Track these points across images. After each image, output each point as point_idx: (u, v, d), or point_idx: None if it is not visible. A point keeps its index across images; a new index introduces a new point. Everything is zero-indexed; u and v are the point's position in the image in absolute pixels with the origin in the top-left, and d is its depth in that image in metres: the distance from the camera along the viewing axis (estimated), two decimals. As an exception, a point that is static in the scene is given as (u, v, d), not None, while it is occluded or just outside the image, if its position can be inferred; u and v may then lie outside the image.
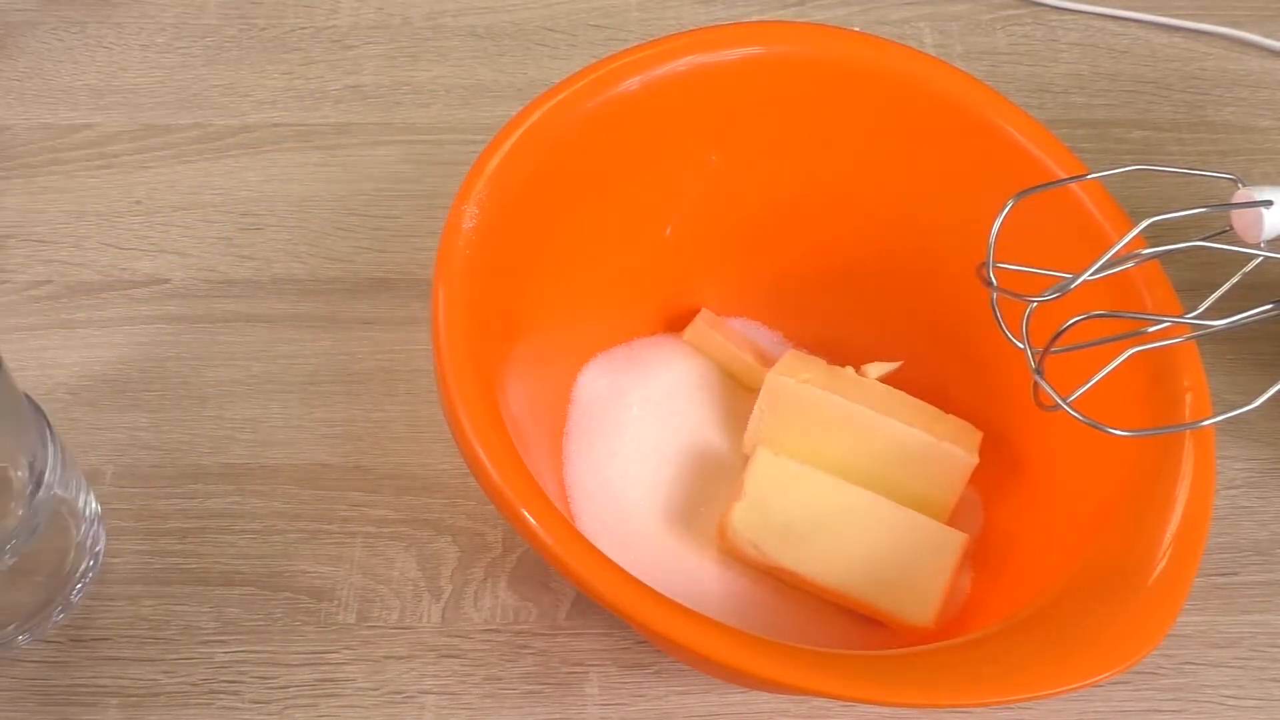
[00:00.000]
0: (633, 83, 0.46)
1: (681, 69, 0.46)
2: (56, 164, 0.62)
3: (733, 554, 0.48)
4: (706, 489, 0.50)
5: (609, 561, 0.36)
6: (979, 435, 0.48)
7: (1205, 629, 0.50)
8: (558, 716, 0.47)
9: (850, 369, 0.49)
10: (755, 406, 0.49)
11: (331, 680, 0.48)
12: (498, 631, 0.49)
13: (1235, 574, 0.51)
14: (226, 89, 0.65)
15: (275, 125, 0.64)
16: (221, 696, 0.47)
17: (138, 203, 0.61)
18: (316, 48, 0.67)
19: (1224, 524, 0.52)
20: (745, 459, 0.50)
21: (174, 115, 0.64)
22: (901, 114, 0.48)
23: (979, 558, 0.49)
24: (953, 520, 0.48)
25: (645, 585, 0.36)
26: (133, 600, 0.49)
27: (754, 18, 0.69)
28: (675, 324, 0.54)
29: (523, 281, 0.45)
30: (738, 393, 0.53)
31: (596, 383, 0.52)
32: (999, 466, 0.49)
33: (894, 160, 0.49)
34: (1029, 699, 0.36)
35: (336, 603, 0.50)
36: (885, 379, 0.50)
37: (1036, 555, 0.45)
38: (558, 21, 0.69)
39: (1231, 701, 0.48)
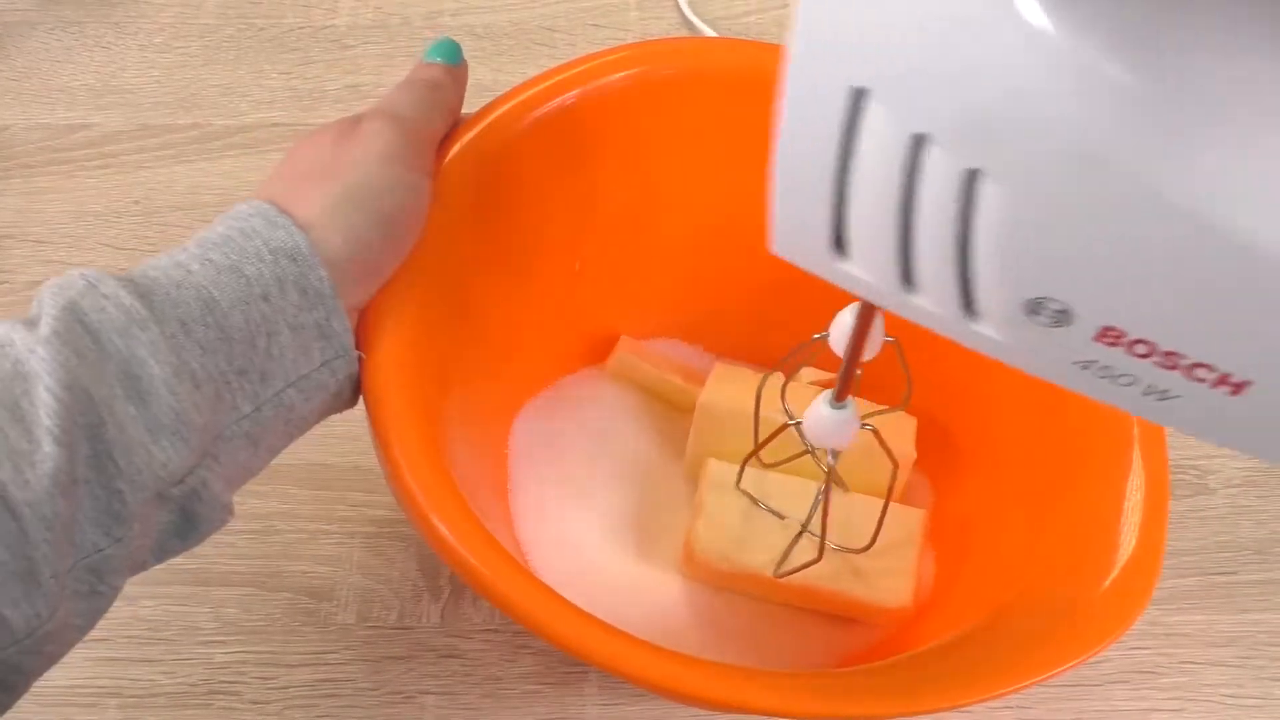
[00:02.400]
0: (530, 118, 0.45)
1: (570, 101, 0.46)
2: (55, 164, 0.62)
3: (702, 573, 0.48)
4: (660, 517, 0.50)
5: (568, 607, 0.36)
6: (914, 421, 0.48)
7: (1204, 628, 0.50)
8: (558, 716, 0.47)
9: (779, 375, 0.46)
10: (691, 430, 0.49)
11: (331, 680, 0.48)
12: (497, 631, 0.49)
13: (1234, 573, 0.51)
14: (225, 89, 0.65)
15: (274, 125, 0.64)
16: (221, 697, 0.47)
17: (136, 203, 0.61)
18: (315, 47, 0.67)
19: (1223, 523, 0.52)
20: (691, 480, 0.49)
21: (172, 115, 0.64)
22: None
23: (939, 541, 0.49)
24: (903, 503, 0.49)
25: (602, 622, 0.36)
26: (132, 601, 0.49)
27: (752, 16, 0.69)
28: (596, 353, 0.53)
29: (450, 333, 0.44)
30: (671, 415, 0.53)
31: (531, 432, 0.51)
32: (942, 451, 0.49)
33: None
34: (993, 697, 0.36)
35: (336, 603, 0.49)
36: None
37: (995, 536, 0.46)
38: (557, 21, 0.69)
39: (1231, 700, 0.48)
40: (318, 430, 0.54)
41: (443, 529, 0.36)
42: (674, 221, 0.51)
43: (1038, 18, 0.22)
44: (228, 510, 0.36)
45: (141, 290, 0.33)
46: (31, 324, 0.32)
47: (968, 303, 0.27)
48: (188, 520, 0.34)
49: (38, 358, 0.30)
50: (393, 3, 0.69)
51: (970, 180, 0.24)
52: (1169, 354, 0.24)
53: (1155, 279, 0.23)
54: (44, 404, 0.30)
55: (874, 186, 0.26)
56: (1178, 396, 0.25)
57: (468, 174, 0.44)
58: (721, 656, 0.40)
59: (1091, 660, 0.36)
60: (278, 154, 0.63)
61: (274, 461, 0.53)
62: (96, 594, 0.32)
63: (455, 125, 0.44)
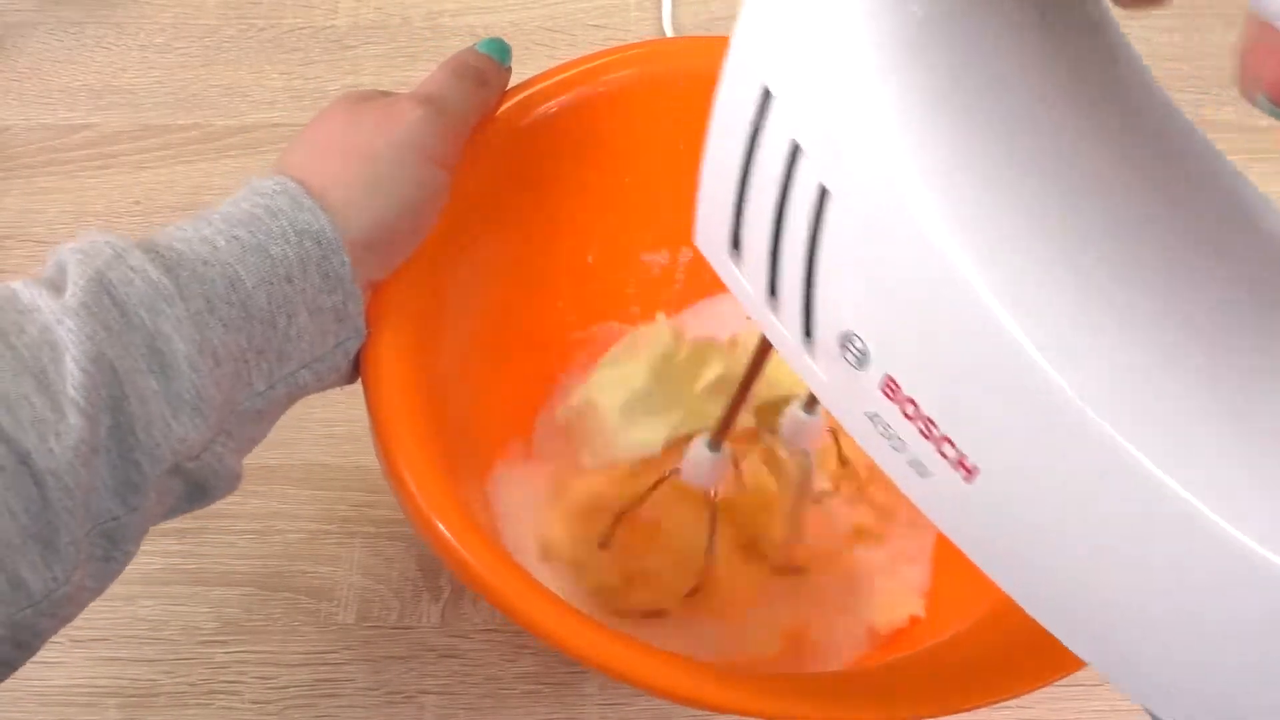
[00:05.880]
0: (537, 113, 0.45)
1: (576, 99, 0.46)
2: (56, 164, 0.62)
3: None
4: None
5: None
6: (927, 570, 0.49)
7: (1205, 628, 0.50)
8: (558, 716, 0.47)
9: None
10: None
11: (331, 680, 0.48)
12: (498, 631, 0.49)
13: (1235, 573, 0.51)
14: (225, 89, 0.65)
15: (274, 125, 0.64)
16: (221, 697, 0.47)
17: (137, 203, 0.61)
18: (315, 48, 0.67)
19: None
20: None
21: (173, 115, 0.64)
22: None
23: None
24: None
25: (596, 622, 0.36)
26: (131, 600, 0.49)
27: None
28: (602, 347, 0.53)
29: (457, 326, 0.44)
30: (672, 409, 0.51)
31: (538, 426, 0.51)
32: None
33: None
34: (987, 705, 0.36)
35: (336, 603, 0.49)
36: None
37: None
38: (557, 21, 0.69)
39: (1231, 700, 0.48)
40: (318, 430, 0.54)
41: (443, 529, 0.36)
42: (679, 218, 0.51)
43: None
44: (238, 479, 0.36)
45: (168, 264, 0.33)
46: (55, 288, 0.32)
47: (808, 327, 0.27)
48: (200, 489, 0.35)
49: (65, 328, 0.31)
50: (393, 3, 0.69)
51: (821, 196, 0.25)
52: (927, 420, 0.25)
53: (932, 341, 0.24)
54: (71, 375, 0.30)
55: (763, 189, 0.27)
56: (930, 474, 0.25)
57: (479, 166, 0.44)
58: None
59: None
60: (278, 154, 0.62)
61: (274, 461, 0.53)
62: (110, 559, 0.33)
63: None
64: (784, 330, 0.28)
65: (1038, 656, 0.37)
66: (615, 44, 0.66)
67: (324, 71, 0.66)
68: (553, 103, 0.45)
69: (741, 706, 0.35)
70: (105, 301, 0.32)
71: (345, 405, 0.54)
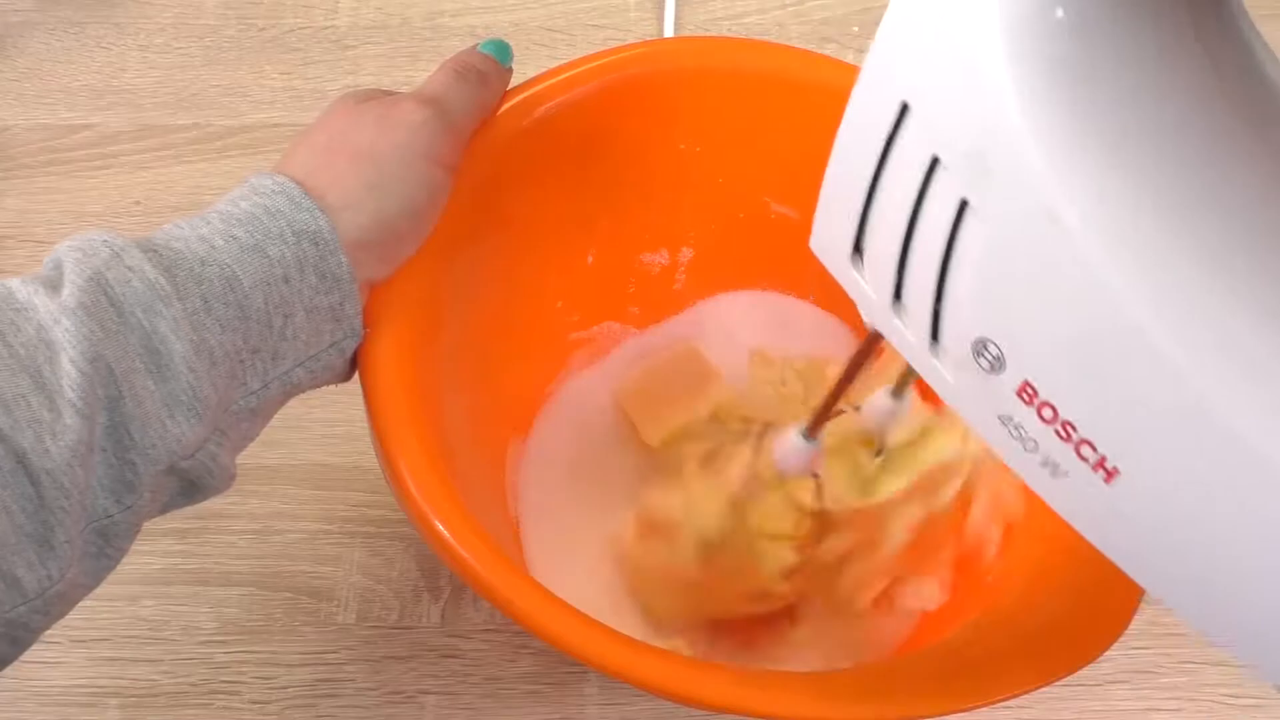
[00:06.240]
0: (540, 112, 0.45)
1: (578, 97, 0.46)
2: (56, 164, 0.62)
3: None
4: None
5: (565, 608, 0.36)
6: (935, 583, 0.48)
7: (1204, 628, 0.50)
8: (558, 716, 0.47)
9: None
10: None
11: (331, 680, 0.48)
12: (498, 631, 0.49)
13: (1234, 573, 0.51)
14: (225, 89, 0.65)
15: (274, 125, 0.64)
16: (221, 697, 0.47)
17: (137, 203, 0.61)
18: (315, 48, 0.67)
19: (1223, 523, 0.52)
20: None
21: (173, 115, 0.64)
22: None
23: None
24: None
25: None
26: (132, 600, 0.49)
27: (752, 17, 0.69)
28: (602, 349, 0.53)
29: (455, 328, 0.44)
30: None
31: (535, 430, 0.51)
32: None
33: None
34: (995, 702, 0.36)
35: (336, 603, 0.50)
36: None
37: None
38: (556, 21, 0.69)
39: (1231, 701, 0.48)
40: (318, 430, 0.54)
41: (442, 530, 0.36)
42: (679, 218, 0.51)
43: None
44: (232, 477, 0.36)
45: (166, 263, 0.33)
46: (52, 287, 0.32)
47: (935, 332, 0.28)
48: (194, 486, 0.35)
49: (62, 328, 0.31)
50: (393, 3, 0.69)
51: (961, 209, 0.26)
52: (1066, 424, 0.26)
53: (1075, 350, 0.25)
54: (67, 375, 0.30)
55: (894, 198, 0.27)
56: (1066, 474, 0.26)
57: (480, 166, 0.44)
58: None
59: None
60: (278, 154, 0.62)
61: (274, 461, 0.53)
62: (104, 555, 0.33)
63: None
64: (908, 334, 0.29)
65: (1038, 658, 0.37)
66: (615, 44, 0.66)
67: (324, 71, 0.66)
68: (553, 103, 0.45)
69: (741, 705, 0.35)
70: (103, 301, 0.32)
71: (345, 405, 0.54)
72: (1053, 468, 0.27)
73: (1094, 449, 0.25)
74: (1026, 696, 0.36)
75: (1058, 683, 0.37)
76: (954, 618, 0.43)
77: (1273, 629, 0.25)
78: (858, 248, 0.30)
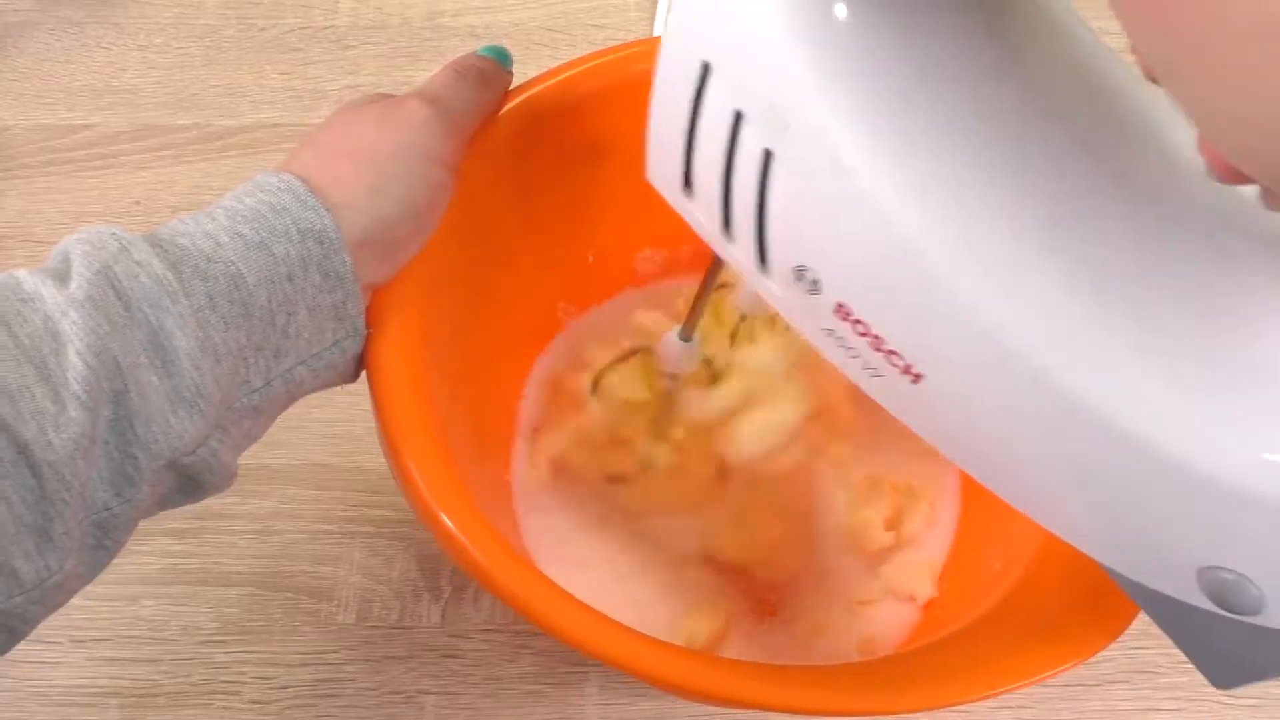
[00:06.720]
0: (540, 111, 0.45)
1: (580, 96, 0.46)
2: (56, 164, 0.62)
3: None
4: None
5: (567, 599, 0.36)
6: (939, 564, 0.49)
7: (1204, 628, 0.50)
8: (558, 716, 0.47)
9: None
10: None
11: (331, 680, 0.48)
12: (498, 631, 0.49)
13: (1234, 573, 0.51)
14: (225, 89, 0.65)
15: (274, 125, 0.64)
16: (221, 697, 0.47)
17: (137, 203, 0.61)
18: (315, 48, 0.67)
19: (1223, 523, 0.52)
20: None
21: (173, 115, 0.64)
22: None
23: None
24: None
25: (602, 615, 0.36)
26: (132, 600, 0.49)
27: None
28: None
29: (460, 325, 0.44)
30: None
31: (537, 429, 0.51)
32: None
33: None
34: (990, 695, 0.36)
35: (336, 603, 0.50)
36: None
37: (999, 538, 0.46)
38: (556, 21, 0.69)
39: (1230, 700, 0.48)
40: (318, 430, 0.54)
41: (452, 527, 0.36)
42: (679, 217, 0.51)
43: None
44: (233, 475, 0.36)
45: (172, 259, 0.33)
46: (60, 279, 0.32)
47: (763, 258, 0.31)
48: (194, 483, 0.35)
49: (70, 321, 0.31)
50: (393, 3, 0.69)
51: (766, 158, 0.29)
52: (875, 337, 0.30)
53: (875, 274, 0.29)
54: (73, 368, 0.31)
55: (710, 146, 0.31)
56: (880, 376, 0.31)
57: (482, 166, 0.44)
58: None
59: (1091, 660, 0.36)
60: (278, 154, 0.63)
61: (274, 461, 0.53)
62: (102, 547, 0.33)
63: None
64: (741, 258, 0.32)
65: (1039, 652, 0.37)
66: (615, 44, 0.67)
67: (324, 71, 0.66)
68: (553, 103, 0.45)
69: (742, 697, 0.35)
70: (110, 295, 0.32)
71: (346, 405, 0.54)
72: (871, 371, 0.31)
73: (900, 357, 0.30)
74: (1027, 696, 0.37)
75: (1057, 683, 0.37)
76: (956, 614, 0.43)
77: (1066, 510, 0.30)
78: (687, 183, 0.32)
